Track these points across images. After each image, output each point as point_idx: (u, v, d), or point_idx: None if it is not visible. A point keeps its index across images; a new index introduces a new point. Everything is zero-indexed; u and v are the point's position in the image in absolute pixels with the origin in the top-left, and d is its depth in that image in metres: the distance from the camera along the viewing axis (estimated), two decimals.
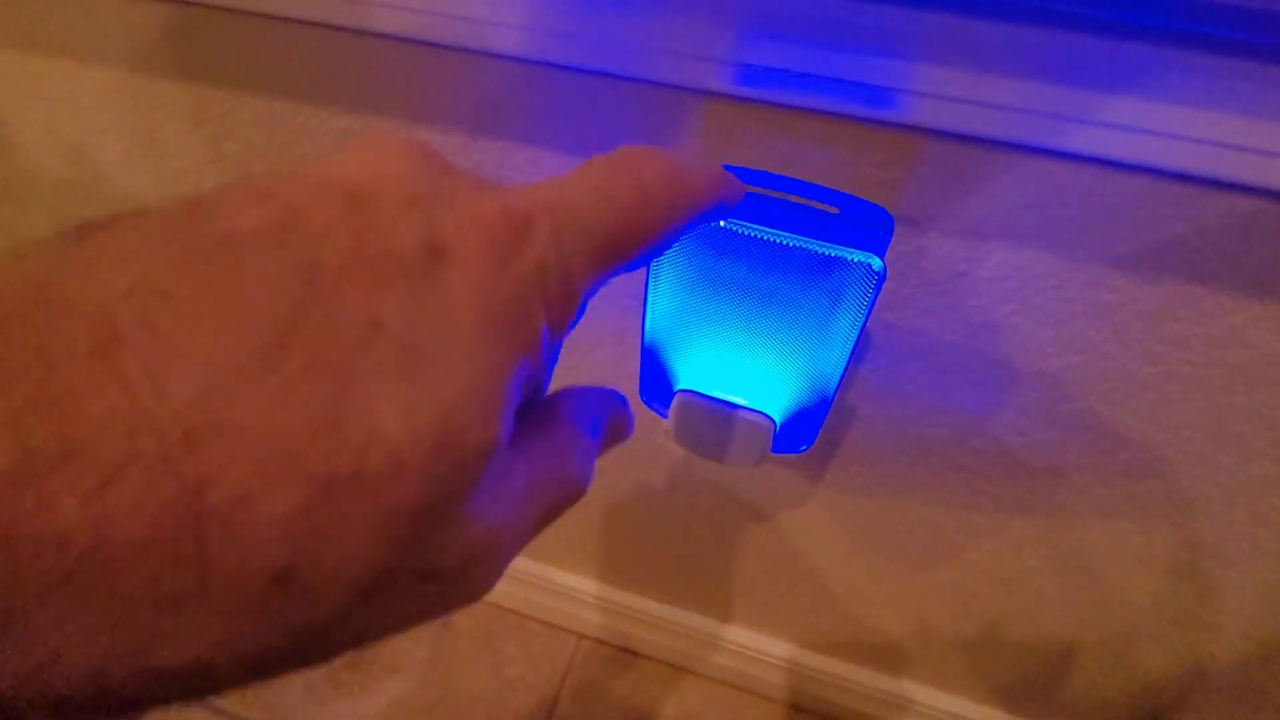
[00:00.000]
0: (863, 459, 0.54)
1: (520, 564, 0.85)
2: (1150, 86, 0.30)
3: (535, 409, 0.19)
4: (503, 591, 0.89)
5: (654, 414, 0.44)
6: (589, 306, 0.17)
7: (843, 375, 0.36)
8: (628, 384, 0.56)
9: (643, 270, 0.43)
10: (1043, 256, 0.38)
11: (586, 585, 0.84)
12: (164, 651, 0.12)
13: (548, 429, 0.18)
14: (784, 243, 0.31)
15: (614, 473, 0.66)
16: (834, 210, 0.32)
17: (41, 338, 0.11)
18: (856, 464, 0.54)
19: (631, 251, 0.17)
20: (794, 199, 0.32)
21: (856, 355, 0.46)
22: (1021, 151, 0.34)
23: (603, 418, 0.21)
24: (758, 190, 0.31)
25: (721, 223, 0.31)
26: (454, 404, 0.13)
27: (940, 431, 0.49)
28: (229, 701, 0.82)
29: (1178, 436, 0.43)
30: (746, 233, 0.31)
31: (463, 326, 0.13)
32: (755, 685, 0.85)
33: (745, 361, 0.37)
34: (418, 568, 0.14)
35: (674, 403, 0.39)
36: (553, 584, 0.84)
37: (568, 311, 0.15)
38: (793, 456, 0.56)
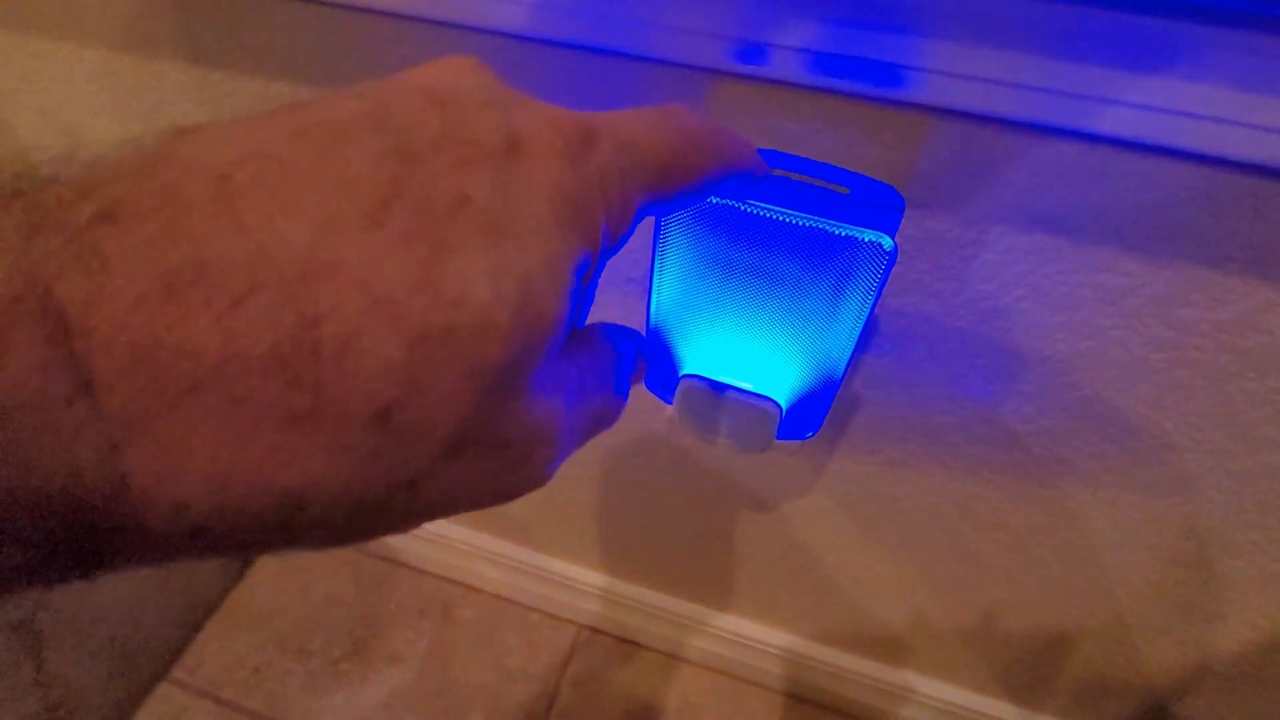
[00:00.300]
0: (867, 447, 0.53)
1: (521, 554, 0.85)
2: (1167, 63, 0.30)
3: (578, 330, 0.20)
4: (503, 582, 0.88)
5: (656, 401, 0.44)
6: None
7: (850, 359, 0.36)
8: None
9: (646, 253, 0.42)
10: (1054, 240, 0.37)
11: (587, 576, 0.83)
12: (279, 471, 0.13)
13: (591, 346, 0.20)
14: (793, 222, 0.30)
15: (616, 461, 0.66)
16: (844, 190, 0.31)
17: (167, 187, 0.12)
18: (860, 452, 0.54)
19: (676, 186, 0.18)
20: (803, 179, 0.31)
21: (864, 340, 0.45)
22: (1033, 131, 0.34)
23: (634, 349, 0.23)
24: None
25: (730, 202, 0.30)
26: (533, 274, 0.14)
27: (946, 419, 0.49)
28: (232, 691, 0.82)
29: (1186, 424, 0.43)
30: (755, 212, 0.30)
31: (539, 209, 0.15)
32: (756, 676, 0.84)
33: (751, 345, 0.37)
34: (494, 431, 0.15)
35: (679, 388, 0.39)
36: (554, 575, 0.84)
37: (624, 219, 0.17)
38: (797, 445, 0.56)
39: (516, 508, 0.78)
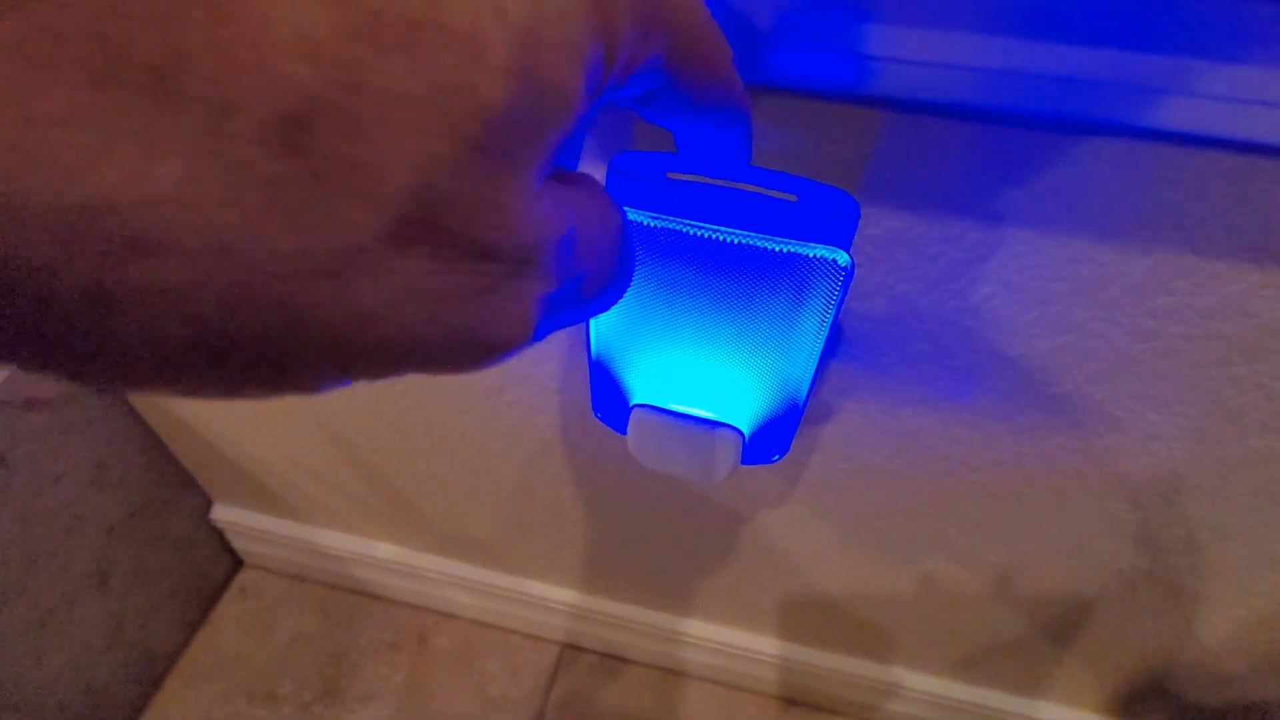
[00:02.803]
0: (840, 454, 0.51)
1: (494, 577, 0.81)
2: (1131, 36, 0.27)
3: (569, 173, 0.15)
4: (479, 606, 0.85)
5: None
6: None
7: (814, 379, 0.33)
8: (581, 397, 0.52)
9: None
10: (1022, 232, 0.34)
11: (565, 595, 0.80)
12: (95, 159, 0.07)
13: (591, 192, 0.15)
14: (737, 241, 0.27)
15: (584, 476, 0.62)
16: (792, 198, 0.28)
17: None
18: (835, 459, 0.51)
19: (694, 70, 0.15)
20: (746, 187, 0.28)
21: (827, 354, 0.42)
22: (993, 119, 0.30)
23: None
24: (704, 180, 0.28)
25: (667, 221, 0.27)
26: (545, 11, 0.10)
27: (921, 421, 0.46)
28: None
29: (1172, 413, 0.40)
30: (695, 232, 0.27)
31: None
32: (747, 682, 0.82)
33: (705, 370, 0.33)
34: (470, 218, 0.10)
35: (630, 419, 0.36)
36: (531, 595, 0.81)
37: (639, 50, 0.13)
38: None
39: (483, 530, 0.74)
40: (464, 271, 0.11)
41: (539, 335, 0.13)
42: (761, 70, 0.30)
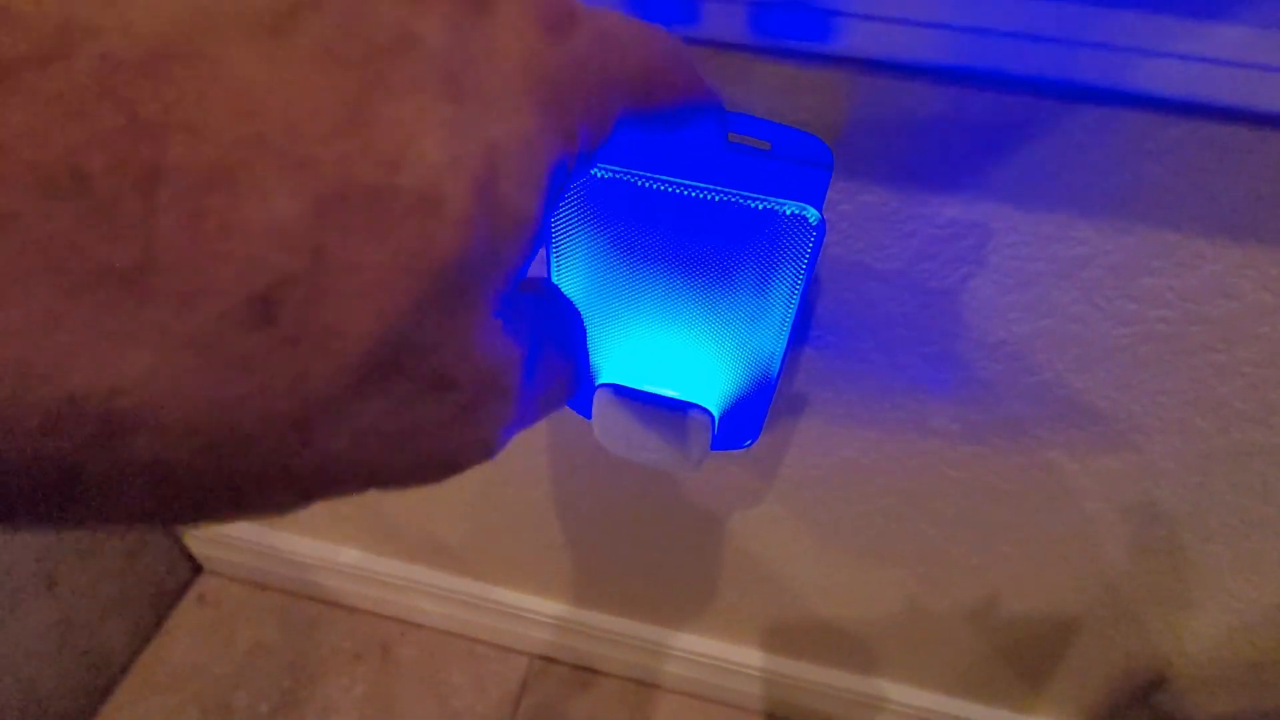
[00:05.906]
0: (816, 449, 0.49)
1: (461, 585, 0.78)
2: None
3: (527, 278, 0.16)
4: (445, 615, 0.82)
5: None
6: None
7: (785, 353, 0.31)
8: None
9: (543, 250, 0.37)
10: (1000, 209, 0.33)
11: (535, 603, 0.78)
12: (70, 357, 0.08)
13: (546, 297, 0.16)
14: (702, 196, 0.26)
15: (553, 478, 0.60)
16: (765, 145, 0.26)
17: None
18: (811, 455, 0.50)
19: (657, 101, 0.14)
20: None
21: (799, 330, 0.41)
22: (970, 84, 0.30)
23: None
24: None
25: (625, 174, 0.25)
26: (502, 147, 0.10)
27: (898, 413, 0.45)
28: None
29: (1154, 403, 0.39)
30: (657, 186, 0.26)
31: (508, 78, 0.11)
32: (725, 695, 0.80)
33: (672, 345, 0.32)
34: (435, 359, 0.11)
35: (595, 400, 0.34)
36: (499, 604, 0.78)
37: (602, 126, 0.13)
38: (740, 453, 0.51)
39: (453, 535, 0.72)
40: (428, 404, 0.11)
41: (497, 451, 0.14)
42: (729, 28, 0.29)
